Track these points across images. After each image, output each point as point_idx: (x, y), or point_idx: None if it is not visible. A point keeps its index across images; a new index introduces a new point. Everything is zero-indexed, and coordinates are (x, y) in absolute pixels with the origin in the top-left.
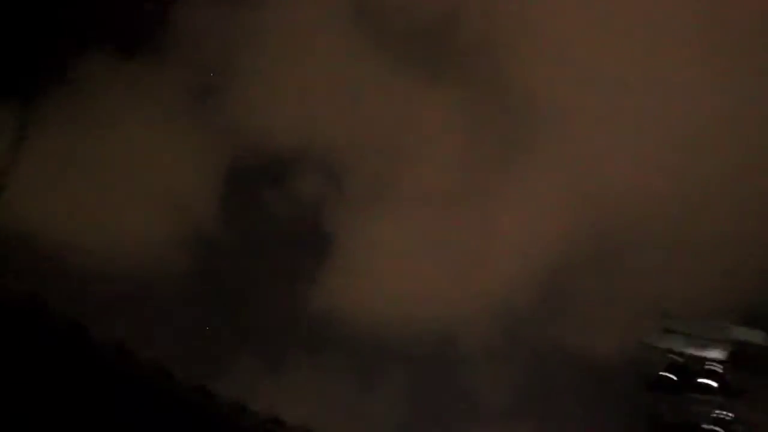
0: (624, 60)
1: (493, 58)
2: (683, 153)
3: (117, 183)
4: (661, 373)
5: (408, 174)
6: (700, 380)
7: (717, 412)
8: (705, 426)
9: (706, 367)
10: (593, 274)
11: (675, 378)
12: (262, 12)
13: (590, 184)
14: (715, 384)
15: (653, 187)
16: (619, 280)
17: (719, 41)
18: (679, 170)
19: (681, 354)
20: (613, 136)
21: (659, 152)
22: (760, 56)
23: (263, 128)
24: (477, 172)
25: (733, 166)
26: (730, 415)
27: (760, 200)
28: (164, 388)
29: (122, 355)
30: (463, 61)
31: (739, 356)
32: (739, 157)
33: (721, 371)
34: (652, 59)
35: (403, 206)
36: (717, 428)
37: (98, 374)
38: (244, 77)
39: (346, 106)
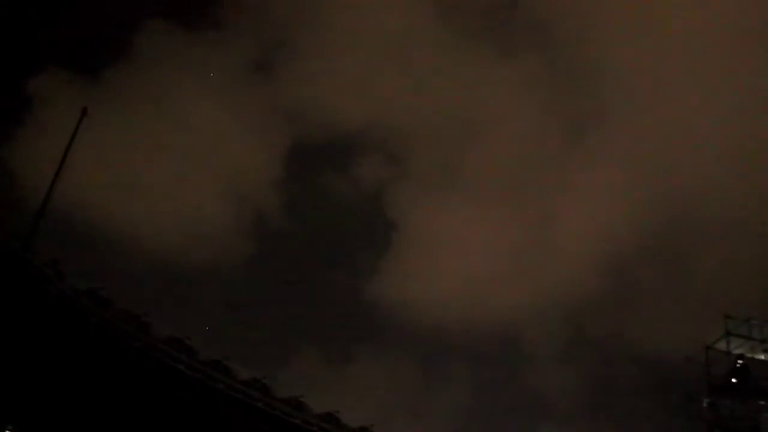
0: (702, 53)
1: (565, 34)
2: (758, 153)
3: (175, 166)
4: (728, 377)
5: (474, 159)
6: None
7: None
8: None
9: None
10: (659, 272)
11: (740, 382)
12: None
13: (659, 179)
14: None
15: (724, 185)
16: (685, 279)
17: None
18: (754, 170)
19: (747, 359)
20: (688, 129)
21: (734, 150)
22: None
23: (325, 108)
24: (545, 160)
25: None
26: None
27: None
28: (222, 382)
29: (181, 350)
30: (530, 38)
31: None
32: None
33: None
34: (731, 58)
35: (469, 193)
36: None
37: (157, 369)
38: (306, 54)
39: (410, 87)
